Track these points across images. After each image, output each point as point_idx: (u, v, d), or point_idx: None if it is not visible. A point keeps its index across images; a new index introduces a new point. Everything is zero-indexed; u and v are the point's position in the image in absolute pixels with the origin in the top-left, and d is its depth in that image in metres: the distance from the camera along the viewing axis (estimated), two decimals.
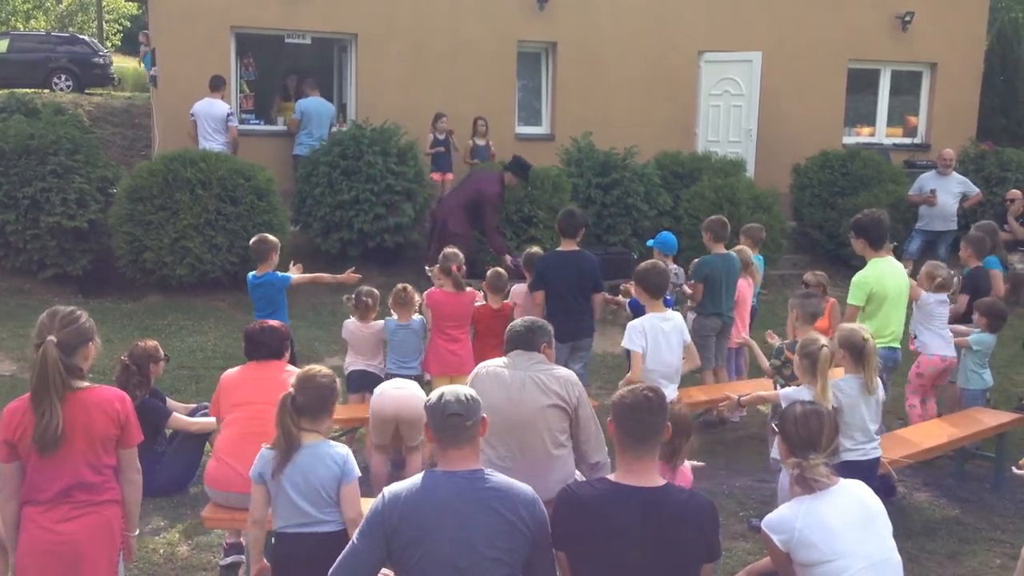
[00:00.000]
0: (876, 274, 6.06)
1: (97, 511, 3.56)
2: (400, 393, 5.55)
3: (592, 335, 7.01)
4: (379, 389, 5.64)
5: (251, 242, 7.03)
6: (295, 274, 7.02)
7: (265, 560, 3.81)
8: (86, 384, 3.57)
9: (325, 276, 7.43)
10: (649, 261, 6.08)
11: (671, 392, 5.47)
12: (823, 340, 4.77)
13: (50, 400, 3.42)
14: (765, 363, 6.07)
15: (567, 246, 6.91)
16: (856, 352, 4.80)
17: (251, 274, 6.98)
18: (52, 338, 3.46)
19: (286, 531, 3.71)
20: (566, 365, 6.63)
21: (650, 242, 8.14)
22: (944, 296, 6.80)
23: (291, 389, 3.75)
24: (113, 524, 3.62)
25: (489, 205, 9.80)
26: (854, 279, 6.12)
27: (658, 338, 5.60)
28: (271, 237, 7.02)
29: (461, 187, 10.56)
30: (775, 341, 6.16)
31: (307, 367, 3.91)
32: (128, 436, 3.62)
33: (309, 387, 3.76)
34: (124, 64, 27.16)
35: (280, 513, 3.72)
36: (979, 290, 7.21)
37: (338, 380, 3.92)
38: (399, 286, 6.69)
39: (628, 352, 5.69)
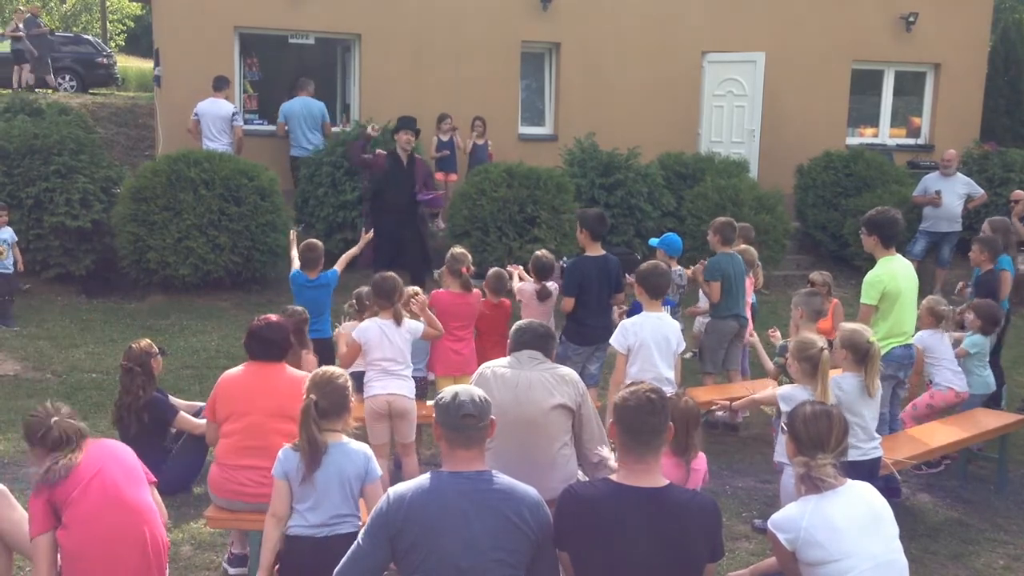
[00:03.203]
0: (889, 272, 6.02)
1: None
2: (388, 391, 5.50)
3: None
4: (367, 388, 5.56)
5: (301, 249, 7.06)
6: (342, 262, 7.24)
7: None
8: None
9: (351, 252, 7.49)
10: (651, 262, 6.05)
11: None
12: (820, 342, 4.72)
13: None
14: (769, 364, 6.06)
15: (594, 250, 6.84)
16: (859, 354, 4.78)
17: (300, 273, 6.96)
18: None
19: (299, 534, 3.73)
20: (584, 366, 6.68)
21: (654, 241, 8.05)
22: (940, 331, 6.70)
23: (311, 395, 3.77)
24: None
25: (355, 162, 10.06)
26: (867, 278, 6.06)
27: (648, 339, 5.55)
28: (319, 243, 7.14)
29: None
30: (778, 338, 6.16)
31: (320, 369, 3.94)
32: None
33: (329, 389, 3.80)
34: (128, 64, 27.21)
35: (299, 514, 3.75)
36: (993, 295, 7.11)
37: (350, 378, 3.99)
38: (408, 290, 6.68)
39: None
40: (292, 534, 3.74)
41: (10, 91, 15.14)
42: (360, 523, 3.77)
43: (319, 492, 3.71)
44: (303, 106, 12.18)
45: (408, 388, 5.57)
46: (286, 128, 12.18)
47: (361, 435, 6.78)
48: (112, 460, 3.76)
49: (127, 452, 3.92)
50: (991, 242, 7.32)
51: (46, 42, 17.65)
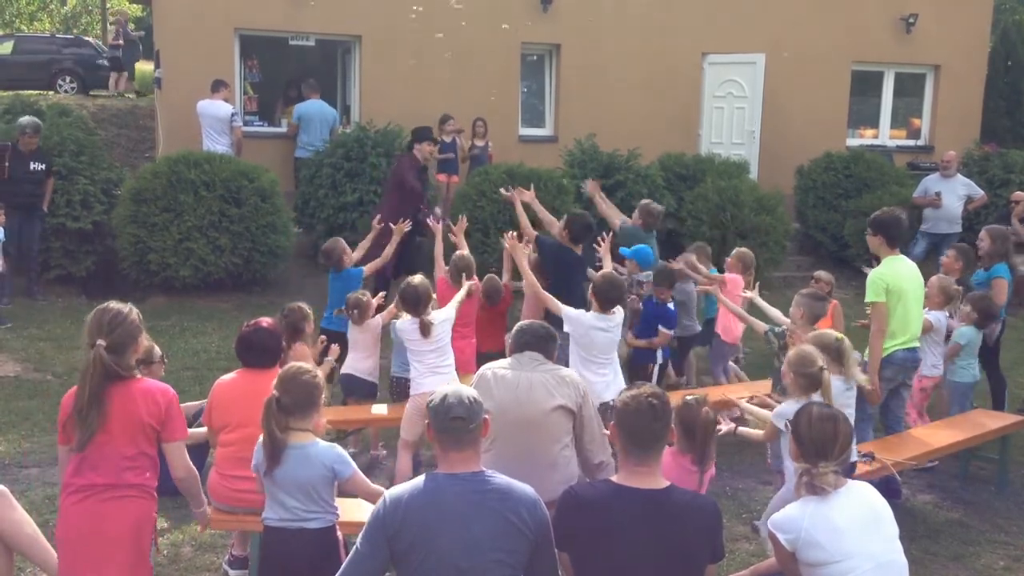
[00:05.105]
0: (891, 271, 5.98)
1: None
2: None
3: None
4: (416, 385, 5.65)
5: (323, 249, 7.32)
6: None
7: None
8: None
9: (387, 252, 7.74)
10: (606, 271, 5.90)
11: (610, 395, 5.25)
12: (820, 361, 4.60)
13: None
14: (759, 325, 6.17)
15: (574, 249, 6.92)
16: (834, 354, 4.81)
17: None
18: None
19: (274, 524, 3.78)
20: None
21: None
22: (946, 312, 6.77)
23: (274, 391, 3.74)
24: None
25: (408, 184, 9.95)
26: (869, 277, 6.01)
27: (588, 337, 5.48)
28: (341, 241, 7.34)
29: (388, 183, 10.51)
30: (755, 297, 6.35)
31: (288, 366, 3.92)
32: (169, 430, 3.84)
33: (293, 385, 3.76)
34: None
35: (270, 505, 3.80)
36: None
37: (321, 374, 3.96)
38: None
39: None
40: (266, 524, 3.81)
41: (11, 93, 15.13)
42: (336, 518, 3.82)
43: (280, 489, 3.74)
44: (320, 110, 12.21)
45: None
46: (298, 128, 12.19)
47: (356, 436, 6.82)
48: (125, 439, 3.67)
49: (145, 430, 3.73)
50: (966, 252, 7.39)
51: (136, 48, 18.90)
